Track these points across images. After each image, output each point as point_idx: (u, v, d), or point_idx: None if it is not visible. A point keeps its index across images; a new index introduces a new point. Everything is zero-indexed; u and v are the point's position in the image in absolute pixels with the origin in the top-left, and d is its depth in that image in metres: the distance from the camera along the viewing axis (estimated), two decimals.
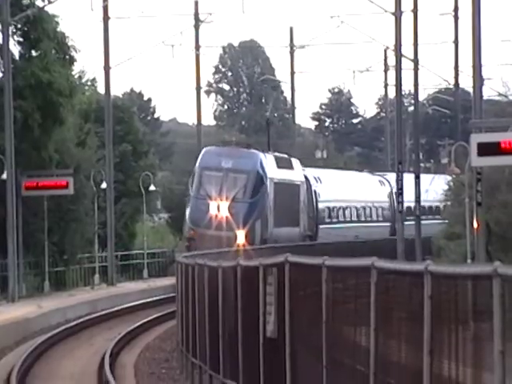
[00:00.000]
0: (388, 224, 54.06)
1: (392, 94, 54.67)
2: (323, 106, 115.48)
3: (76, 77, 63.01)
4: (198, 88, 69.47)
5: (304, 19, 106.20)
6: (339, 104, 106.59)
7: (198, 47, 65.05)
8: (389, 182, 54.50)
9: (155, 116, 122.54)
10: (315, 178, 54.77)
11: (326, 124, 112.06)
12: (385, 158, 60.69)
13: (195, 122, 76.20)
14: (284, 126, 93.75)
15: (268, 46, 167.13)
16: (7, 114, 43.24)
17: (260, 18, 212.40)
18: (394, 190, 49.41)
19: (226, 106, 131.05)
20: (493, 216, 30.89)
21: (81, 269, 58.98)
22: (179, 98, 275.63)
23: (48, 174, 49.06)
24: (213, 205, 41.95)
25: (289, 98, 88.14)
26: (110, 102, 60.68)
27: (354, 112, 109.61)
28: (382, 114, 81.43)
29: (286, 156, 53.00)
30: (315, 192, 52.63)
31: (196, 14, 66.15)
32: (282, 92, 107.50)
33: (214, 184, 42.39)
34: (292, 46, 74.06)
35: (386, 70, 74.14)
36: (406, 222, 42.30)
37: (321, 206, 51.34)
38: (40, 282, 52.94)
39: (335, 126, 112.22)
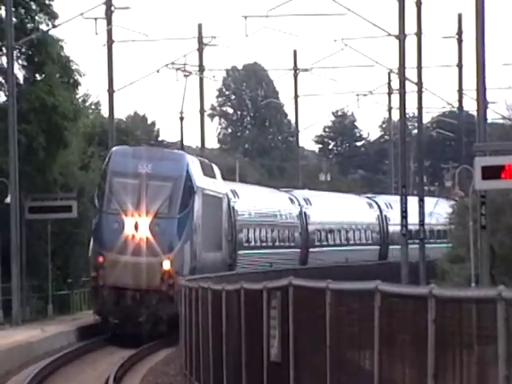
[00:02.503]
0: (377, 247, 51.57)
1: (396, 117, 54.79)
2: (327, 129, 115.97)
3: (80, 100, 63.38)
4: (202, 111, 69.44)
5: (308, 42, 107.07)
6: (343, 127, 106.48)
7: (201, 70, 65.10)
8: (378, 205, 53.60)
9: (159, 139, 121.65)
10: (232, 191, 46.91)
11: (330, 147, 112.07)
12: (389, 181, 60.51)
13: (199, 146, 76.19)
14: (288, 149, 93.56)
15: (272, 69, 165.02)
16: (11, 138, 42.86)
17: (263, 41, 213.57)
18: (384, 213, 51.78)
19: (229, 130, 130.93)
20: (497, 239, 30.97)
21: (85, 292, 58.07)
22: (183, 122, 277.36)
23: (52, 198, 47.45)
24: (128, 222, 33.96)
25: (293, 121, 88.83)
26: (114, 126, 59.93)
27: (358, 135, 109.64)
28: (386, 137, 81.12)
29: (207, 161, 44.80)
30: (233, 209, 45.05)
31: (200, 38, 66.73)
32: (286, 115, 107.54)
33: (130, 194, 34.40)
34: (296, 69, 74.30)
35: (389, 93, 74.55)
36: (391, 246, 43.54)
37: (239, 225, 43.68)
38: (43, 305, 51.82)
39: (339, 148, 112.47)
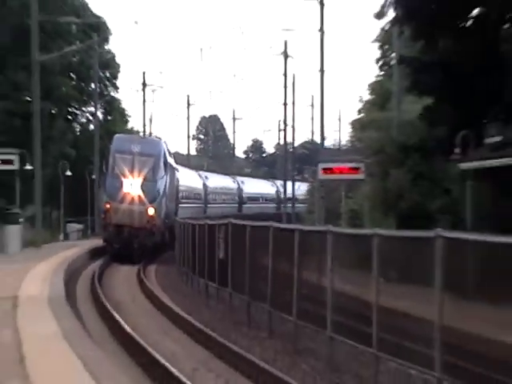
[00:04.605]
0: (275, 205, 77.25)
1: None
2: (251, 147, 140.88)
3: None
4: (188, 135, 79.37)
5: None
6: (259, 145, 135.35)
7: None
8: (276, 185, 80.00)
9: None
10: (205, 176, 64.59)
11: (251, 155, 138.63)
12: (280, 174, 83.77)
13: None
14: (228, 158, 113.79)
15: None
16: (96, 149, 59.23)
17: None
18: (278, 189, 77.97)
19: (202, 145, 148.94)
20: (329, 203, 42.70)
21: None
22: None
23: None
24: (126, 182, 42.12)
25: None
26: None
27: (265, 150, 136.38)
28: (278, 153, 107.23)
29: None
30: (205, 184, 61.59)
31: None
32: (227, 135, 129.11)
33: (126, 165, 42.47)
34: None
35: (279, 130, 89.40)
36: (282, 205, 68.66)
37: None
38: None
39: (256, 156, 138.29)
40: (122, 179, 41.32)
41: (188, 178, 53.93)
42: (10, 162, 38.25)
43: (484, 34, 20.93)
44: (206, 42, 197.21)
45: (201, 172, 63.02)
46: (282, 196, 68.19)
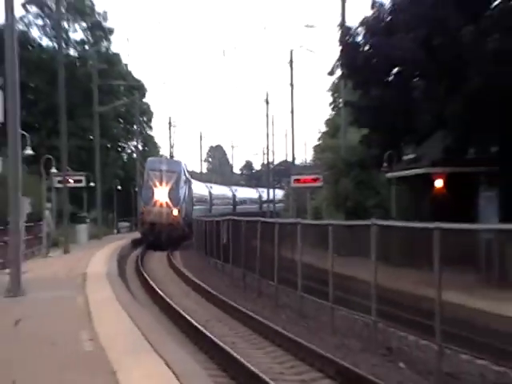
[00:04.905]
0: (258, 205, 72.35)
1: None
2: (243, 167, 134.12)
3: None
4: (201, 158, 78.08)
5: None
6: (250, 164, 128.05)
7: None
8: (258, 191, 75.71)
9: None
10: (210, 187, 61.20)
11: (244, 172, 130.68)
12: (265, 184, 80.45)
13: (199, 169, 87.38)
14: (228, 174, 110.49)
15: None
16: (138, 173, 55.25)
17: None
18: (260, 194, 73.27)
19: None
20: (299, 204, 42.96)
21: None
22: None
23: None
24: (156, 191, 40.04)
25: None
26: None
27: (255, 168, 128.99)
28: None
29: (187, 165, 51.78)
30: (210, 192, 58.01)
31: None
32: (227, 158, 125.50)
33: (157, 178, 40.41)
34: None
35: (263, 154, 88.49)
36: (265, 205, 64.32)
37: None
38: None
39: (248, 173, 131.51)
40: (154, 189, 40.13)
41: (199, 188, 53.01)
42: (79, 181, 38.45)
43: (400, 85, 21.02)
44: (215, 92, 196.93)
45: (207, 184, 61.94)
46: (265, 199, 66.28)
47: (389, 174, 25.31)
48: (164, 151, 70.85)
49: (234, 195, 69.02)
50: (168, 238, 39.04)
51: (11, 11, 13.97)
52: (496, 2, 18.33)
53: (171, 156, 67.25)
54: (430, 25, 17.56)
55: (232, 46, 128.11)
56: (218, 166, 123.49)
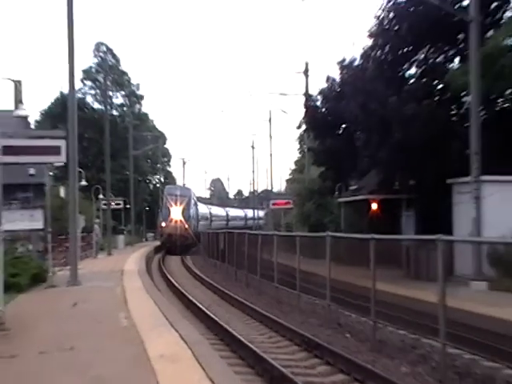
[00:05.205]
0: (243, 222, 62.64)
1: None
2: (236, 194, 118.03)
3: None
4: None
5: None
6: (240, 191, 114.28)
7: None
8: (244, 211, 67.72)
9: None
10: (210, 207, 56.38)
11: (237, 197, 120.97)
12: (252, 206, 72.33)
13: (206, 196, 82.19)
14: (225, 199, 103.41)
15: None
16: (160, 198, 50.58)
17: None
18: (246, 213, 64.25)
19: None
20: (273, 219, 40.60)
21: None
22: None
23: None
24: (172, 210, 38.36)
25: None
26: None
27: (244, 194, 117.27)
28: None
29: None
30: (211, 212, 53.44)
31: None
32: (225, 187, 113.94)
33: (173, 201, 38.66)
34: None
35: (250, 184, 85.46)
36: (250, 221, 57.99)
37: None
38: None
39: (240, 197, 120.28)
40: (170, 209, 38.75)
41: (203, 208, 50.98)
42: (119, 204, 38.05)
43: (346, 137, 21.24)
44: (216, 139, 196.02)
45: (208, 205, 59.37)
46: (250, 217, 61.52)
47: (339, 200, 25.39)
48: (179, 181, 69.99)
49: (227, 214, 66.01)
50: (181, 246, 38.09)
51: (72, 86, 14.18)
52: (411, 81, 18.75)
53: (183, 185, 67.03)
54: (366, 95, 17.88)
55: (228, 105, 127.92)
56: (218, 192, 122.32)
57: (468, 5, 14.38)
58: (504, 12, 15.82)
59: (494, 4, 16.02)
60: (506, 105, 15.67)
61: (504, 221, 12.55)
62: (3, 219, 8.96)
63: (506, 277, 12.18)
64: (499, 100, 15.88)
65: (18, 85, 19.92)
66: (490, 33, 14.97)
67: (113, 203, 34.83)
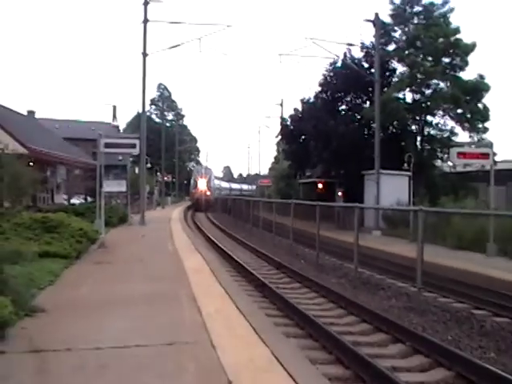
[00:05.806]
0: (240, 192, 48.22)
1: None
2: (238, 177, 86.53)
3: None
4: None
5: None
6: (242, 175, 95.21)
7: None
8: (241, 186, 54.70)
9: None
10: (230, 182, 50.09)
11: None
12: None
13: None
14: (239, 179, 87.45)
15: None
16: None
17: None
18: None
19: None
20: (260, 192, 37.73)
21: None
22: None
23: None
24: (199, 182, 34.19)
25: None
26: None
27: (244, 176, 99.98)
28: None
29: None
30: (230, 186, 47.98)
31: None
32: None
33: (199, 175, 34.60)
34: None
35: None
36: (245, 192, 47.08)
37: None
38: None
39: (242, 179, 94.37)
40: (198, 181, 35.53)
41: (218, 182, 45.48)
42: (169, 178, 33.51)
43: (304, 144, 20.90)
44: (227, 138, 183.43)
45: (221, 181, 52.13)
46: (244, 189, 50.64)
47: (299, 181, 25.09)
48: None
49: (230, 186, 56.38)
50: (205, 206, 35.75)
51: (144, 108, 14.77)
52: (343, 113, 18.75)
53: (206, 167, 64.17)
54: (316, 119, 17.99)
55: (236, 119, 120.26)
56: (227, 174, 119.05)
57: (374, 72, 14.93)
58: (393, 78, 17.13)
59: (387, 73, 16.87)
60: (394, 130, 16.81)
61: (392, 196, 13.31)
62: (104, 184, 9.36)
63: (391, 228, 12.94)
64: (390, 127, 16.58)
65: (114, 108, 21.26)
66: (385, 89, 15.96)
67: (165, 178, 34.31)
